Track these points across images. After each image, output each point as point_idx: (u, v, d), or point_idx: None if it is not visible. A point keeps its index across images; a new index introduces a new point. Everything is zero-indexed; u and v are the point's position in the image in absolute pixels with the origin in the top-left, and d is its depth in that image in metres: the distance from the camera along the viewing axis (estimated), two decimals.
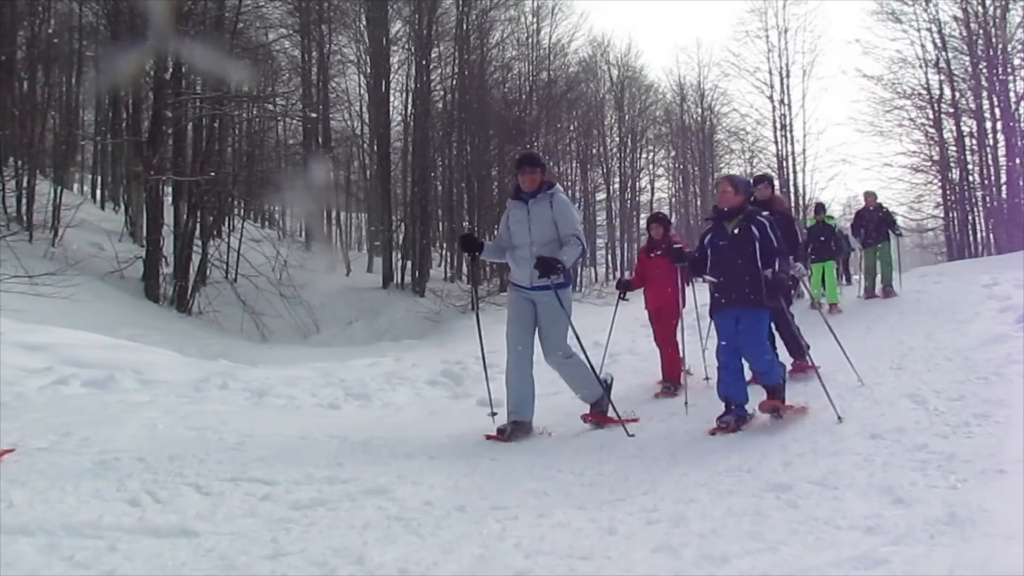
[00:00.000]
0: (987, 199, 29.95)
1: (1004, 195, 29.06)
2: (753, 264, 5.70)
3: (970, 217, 30.63)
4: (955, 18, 29.76)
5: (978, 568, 2.79)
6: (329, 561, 2.93)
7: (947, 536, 3.06)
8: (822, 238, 13.79)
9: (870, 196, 14.90)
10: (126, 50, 16.89)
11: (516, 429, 5.91)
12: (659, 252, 7.92)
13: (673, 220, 51.50)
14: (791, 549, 3.03)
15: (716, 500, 3.77)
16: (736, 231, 5.83)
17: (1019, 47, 28.42)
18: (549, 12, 35.32)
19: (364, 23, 29.06)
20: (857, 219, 14.76)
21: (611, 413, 6.12)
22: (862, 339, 10.48)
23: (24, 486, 3.59)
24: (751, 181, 6.47)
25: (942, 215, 31.50)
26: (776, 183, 8.18)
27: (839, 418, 5.40)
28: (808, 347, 7.36)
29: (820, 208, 15.51)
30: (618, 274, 38.45)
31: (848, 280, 16.57)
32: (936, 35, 30.29)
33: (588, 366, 6.31)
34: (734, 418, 5.64)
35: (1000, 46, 28.56)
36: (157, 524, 3.24)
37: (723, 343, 5.82)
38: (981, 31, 28.96)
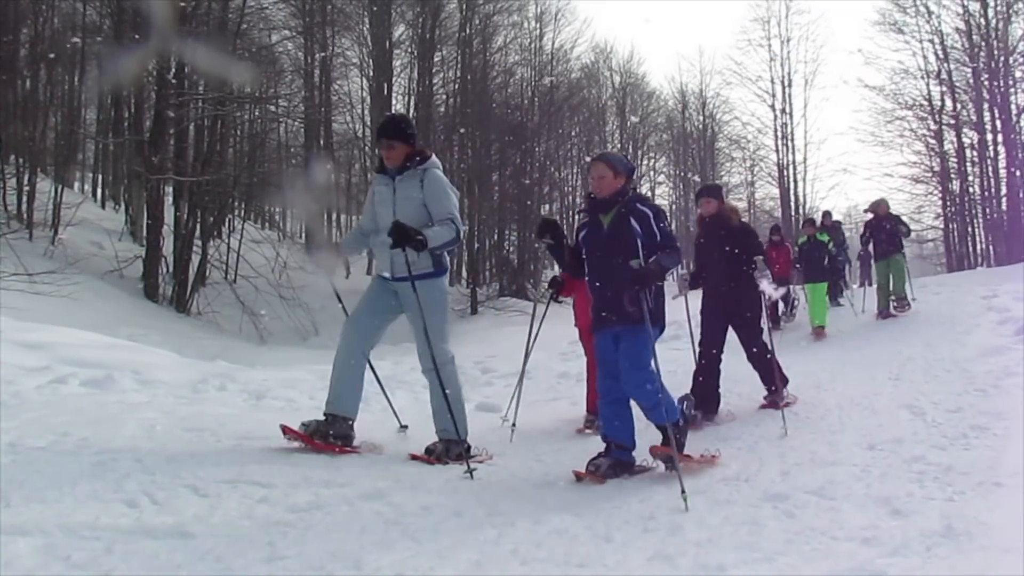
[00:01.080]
0: (987, 211, 30.01)
1: (1004, 207, 29.10)
2: (630, 269, 4.60)
3: (970, 228, 30.70)
4: (957, 29, 29.87)
5: None
6: (326, 565, 2.93)
7: (944, 548, 3.07)
8: (815, 255, 13.15)
9: (883, 204, 13.81)
10: (129, 49, 16.91)
11: (323, 426, 5.04)
12: None
13: (673, 227, 51.61)
14: (788, 559, 3.04)
15: (713, 509, 3.77)
16: (612, 225, 4.72)
17: (1021, 59, 28.50)
18: (552, 18, 35.40)
19: (367, 26, 29.14)
20: (867, 230, 13.68)
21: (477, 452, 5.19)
22: (861, 349, 10.49)
23: (22, 486, 3.59)
24: (630, 163, 5.09)
25: (942, 226, 31.54)
26: (724, 193, 7.36)
27: (785, 431, 5.55)
28: (787, 381, 6.78)
29: (810, 223, 14.78)
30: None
31: (841, 293, 15.75)
32: (938, 46, 30.40)
33: (460, 396, 5.28)
34: (608, 462, 4.59)
35: (1002, 58, 28.63)
36: (154, 525, 3.24)
37: (602, 368, 4.86)
38: (983, 43, 29.04)
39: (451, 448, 5.04)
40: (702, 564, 2.99)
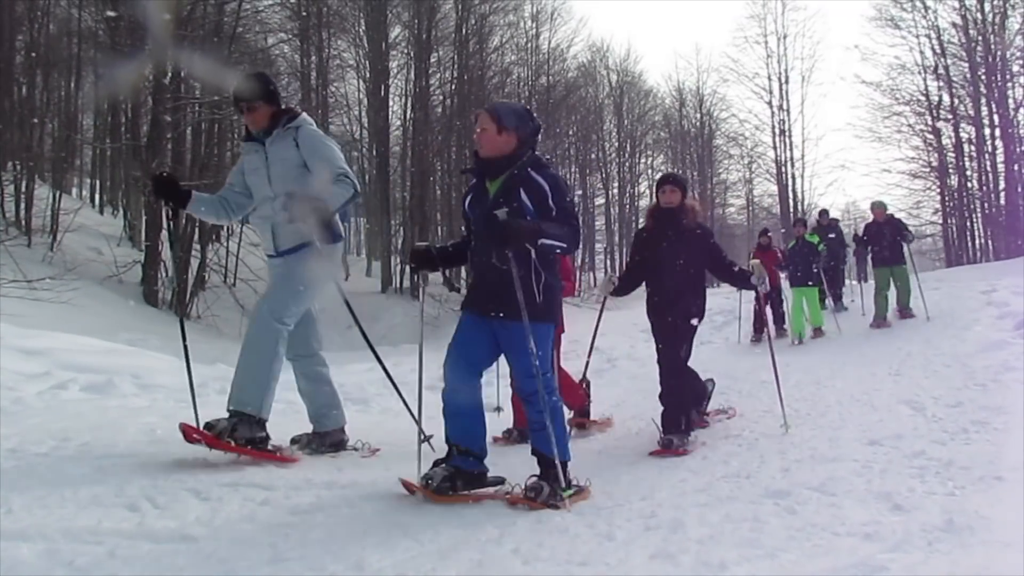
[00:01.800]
0: (985, 205, 30.04)
1: (1003, 201, 29.14)
2: (519, 256, 3.77)
3: (968, 223, 30.75)
4: (954, 25, 29.92)
5: (976, 575, 2.80)
6: (328, 566, 2.93)
7: (945, 543, 3.07)
8: (804, 259, 12.48)
9: (879, 208, 12.89)
10: (125, 55, 16.92)
11: (229, 426, 4.34)
12: None
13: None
14: (789, 556, 3.04)
15: (714, 506, 3.77)
16: (499, 195, 3.88)
17: (1018, 54, 28.54)
18: (548, 17, 35.44)
19: (363, 28, 29.15)
20: (866, 234, 12.77)
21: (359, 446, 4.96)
22: (860, 345, 10.51)
23: (23, 492, 3.59)
24: (530, 120, 4.01)
25: (940, 221, 31.59)
26: (689, 188, 6.23)
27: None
28: (710, 396, 6.18)
29: (800, 223, 14.01)
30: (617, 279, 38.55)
31: (838, 299, 15.16)
32: (935, 41, 30.45)
33: (271, 365, 4.52)
34: (448, 472, 3.85)
35: (999, 53, 28.67)
36: (156, 529, 3.24)
37: (455, 352, 4.01)
38: (980, 38, 29.08)
39: (240, 427, 4.37)
40: (704, 562, 2.99)
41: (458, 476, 3.89)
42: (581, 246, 37.08)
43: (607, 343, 11.51)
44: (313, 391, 5.03)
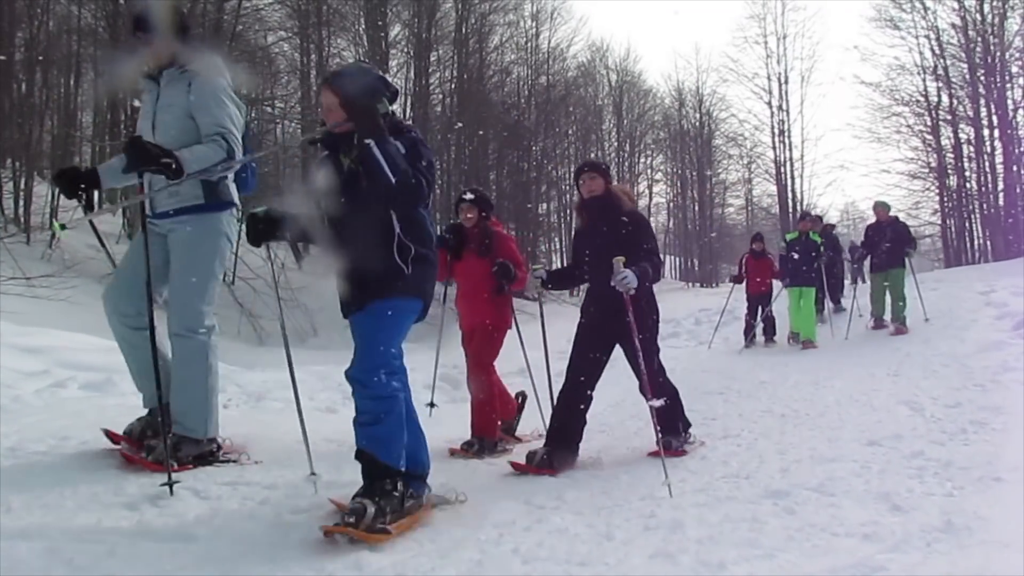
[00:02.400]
0: (984, 206, 30.06)
1: (1001, 202, 29.15)
2: (380, 226, 3.43)
3: (967, 224, 30.79)
4: (953, 25, 29.93)
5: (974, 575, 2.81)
6: (327, 566, 2.93)
7: (944, 543, 3.08)
8: (797, 256, 11.70)
9: (881, 208, 12.23)
10: (124, 52, 16.88)
11: (171, 445, 3.90)
12: (472, 246, 5.72)
13: (671, 225, 51.45)
14: (788, 556, 3.05)
15: (713, 506, 3.78)
16: (354, 166, 3.45)
17: (1017, 55, 28.55)
18: (548, 16, 35.39)
19: (363, 26, 29.10)
20: (866, 237, 12.23)
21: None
22: (859, 346, 10.52)
23: (23, 490, 3.58)
24: (381, 83, 3.54)
25: (939, 222, 31.61)
26: (613, 173, 5.68)
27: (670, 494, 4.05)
28: (689, 427, 5.40)
29: (806, 216, 13.35)
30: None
31: (836, 302, 14.76)
32: (934, 42, 30.46)
33: (208, 380, 4.19)
34: (363, 504, 3.20)
35: (998, 53, 28.68)
36: (156, 528, 3.24)
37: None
38: (979, 38, 29.09)
39: (183, 446, 4.04)
40: (703, 561, 3.00)
41: (382, 497, 3.27)
42: None
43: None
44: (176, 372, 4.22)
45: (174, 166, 3.70)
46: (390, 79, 3.63)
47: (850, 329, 11.71)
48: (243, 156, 4.14)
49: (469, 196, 5.84)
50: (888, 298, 11.42)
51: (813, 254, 11.77)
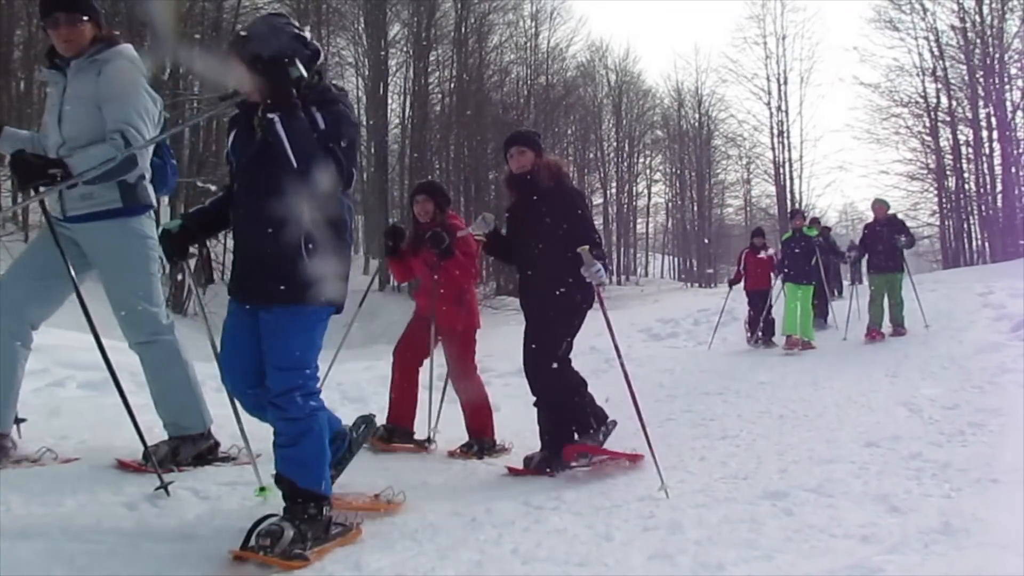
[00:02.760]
0: (983, 208, 30.10)
1: (999, 204, 29.19)
2: (287, 211, 2.97)
3: (966, 225, 30.86)
4: (952, 27, 29.98)
5: None
6: (327, 567, 2.93)
7: (941, 545, 3.08)
8: (797, 251, 11.50)
9: (880, 205, 11.85)
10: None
11: (170, 450, 3.99)
12: (427, 243, 5.31)
13: (669, 225, 51.36)
14: (786, 557, 3.05)
15: (712, 507, 3.79)
16: (263, 134, 2.92)
17: (1016, 56, 28.58)
18: (548, 16, 35.47)
19: (363, 25, 29.12)
20: (864, 236, 11.84)
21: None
22: (857, 347, 10.53)
23: (21, 490, 3.58)
24: (310, 48, 3.06)
25: (938, 223, 31.66)
26: (543, 145, 4.95)
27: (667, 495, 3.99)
28: (607, 423, 5.01)
29: (796, 214, 13.07)
30: (615, 278, 38.55)
31: (839, 293, 14.56)
32: (933, 44, 30.51)
33: (188, 375, 4.09)
34: (280, 527, 2.92)
35: (997, 55, 28.73)
36: (156, 528, 3.25)
37: (226, 361, 3.34)
38: (978, 40, 29.14)
39: (182, 448, 4.00)
40: (702, 562, 3.00)
41: (302, 521, 3.00)
42: None
43: (605, 343, 11.49)
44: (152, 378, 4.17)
45: (60, 177, 3.45)
46: (308, 35, 3.13)
47: (848, 329, 11.68)
48: (151, 153, 3.89)
49: (424, 190, 5.62)
50: (886, 302, 11.10)
51: (802, 251, 11.54)
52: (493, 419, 5.57)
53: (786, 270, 11.61)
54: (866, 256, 11.65)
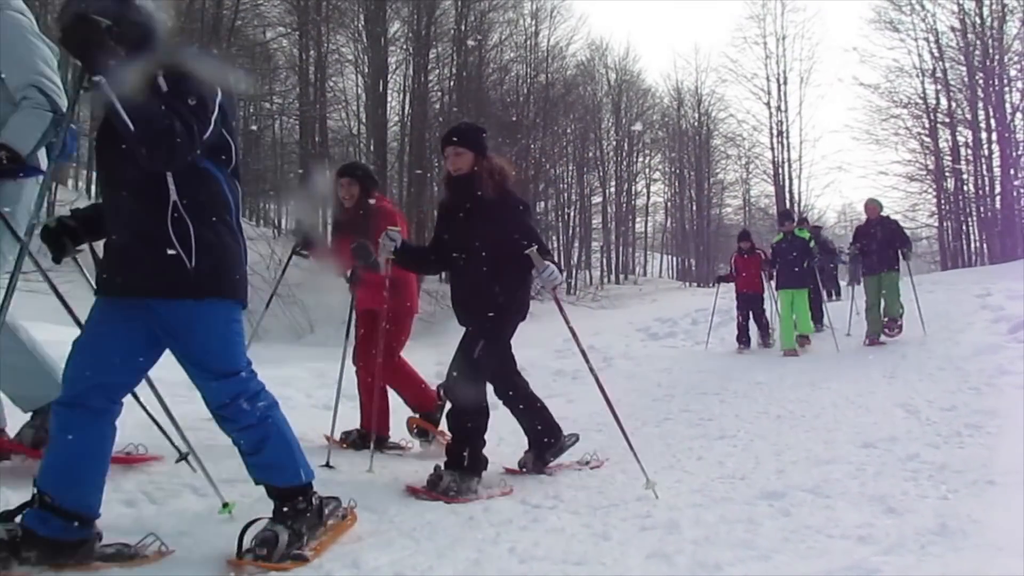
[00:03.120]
0: (981, 209, 30.09)
1: (998, 206, 29.20)
2: (140, 186, 2.66)
3: (964, 227, 30.85)
4: (952, 28, 29.96)
5: None
6: (324, 565, 2.93)
7: (938, 546, 3.09)
8: (791, 256, 11.23)
9: (872, 205, 11.27)
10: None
11: (40, 425, 3.54)
12: (349, 228, 5.21)
13: (668, 225, 51.36)
14: (783, 557, 3.06)
15: (710, 507, 3.80)
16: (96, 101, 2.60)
17: (1016, 58, 28.58)
18: (548, 15, 35.32)
19: (362, 23, 29.05)
20: (856, 237, 11.27)
21: None
22: (855, 348, 10.53)
23: (18, 488, 3.58)
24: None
25: (936, 224, 31.65)
26: (487, 145, 4.53)
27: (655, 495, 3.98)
28: (564, 439, 4.90)
29: (786, 216, 12.61)
30: (613, 277, 38.57)
31: (836, 294, 14.28)
32: (933, 45, 30.48)
33: (31, 350, 3.59)
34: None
35: (997, 57, 28.72)
36: (154, 525, 3.24)
37: (75, 357, 2.90)
38: (978, 42, 29.13)
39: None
40: (699, 562, 3.01)
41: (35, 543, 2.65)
42: (580, 245, 37.07)
43: (603, 342, 11.53)
44: None
45: (3, 159, 3.11)
46: None
47: (850, 326, 11.64)
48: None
49: (349, 172, 5.35)
50: (883, 304, 10.52)
51: (794, 255, 11.26)
52: (389, 416, 5.39)
53: (779, 277, 11.34)
54: (861, 260, 11.30)
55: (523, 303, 4.56)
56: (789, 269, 11.23)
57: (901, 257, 10.68)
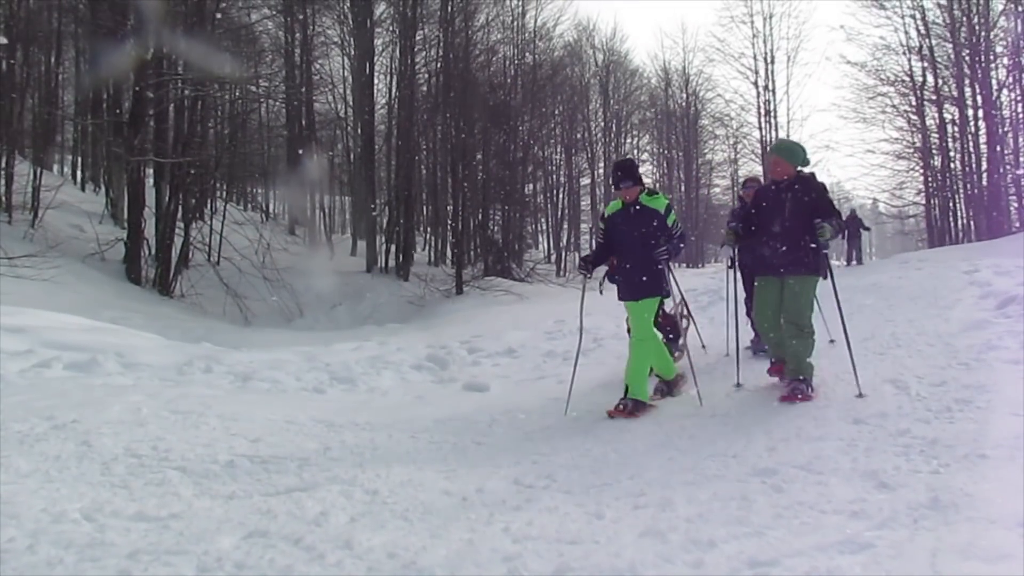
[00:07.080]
0: (968, 186, 30.18)
1: (985, 182, 29.27)
2: None
3: (951, 204, 30.92)
4: (939, 5, 29.89)
5: (961, 552, 2.83)
6: (317, 546, 2.93)
7: (930, 520, 3.10)
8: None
9: (778, 156, 6.36)
10: (107, 30, 16.67)
11: None
12: None
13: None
14: (777, 533, 3.06)
15: (702, 485, 3.80)
16: None
17: (1001, 34, 28.58)
18: None
19: (348, 4, 28.81)
20: (744, 206, 8.08)
21: None
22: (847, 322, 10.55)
23: (8, 470, 3.56)
24: None
25: (924, 202, 31.74)
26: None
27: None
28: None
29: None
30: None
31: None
32: (920, 22, 30.42)
33: None
34: None
35: (983, 33, 28.70)
36: (144, 507, 3.23)
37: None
38: (964, 18, 29.10)
39: None
40: (693, 539, 3.01)
41: None
42: (569, 227, 36.96)
43: (593, 323, 11.52)
44: None
45: None
46: None
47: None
48: None
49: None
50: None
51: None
52: None
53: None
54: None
55: None
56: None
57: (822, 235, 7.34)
